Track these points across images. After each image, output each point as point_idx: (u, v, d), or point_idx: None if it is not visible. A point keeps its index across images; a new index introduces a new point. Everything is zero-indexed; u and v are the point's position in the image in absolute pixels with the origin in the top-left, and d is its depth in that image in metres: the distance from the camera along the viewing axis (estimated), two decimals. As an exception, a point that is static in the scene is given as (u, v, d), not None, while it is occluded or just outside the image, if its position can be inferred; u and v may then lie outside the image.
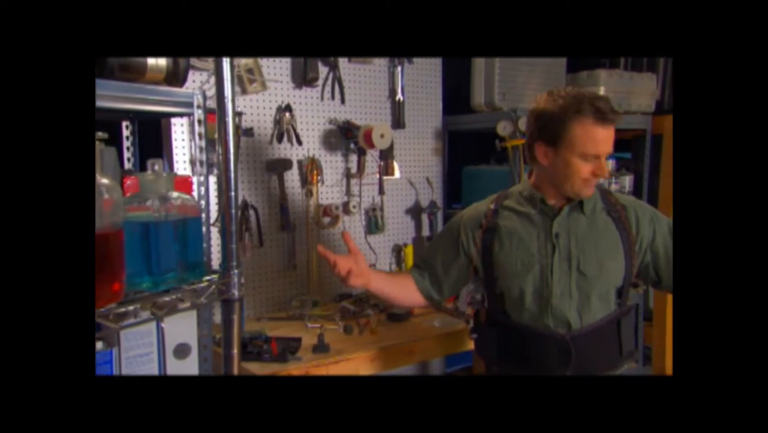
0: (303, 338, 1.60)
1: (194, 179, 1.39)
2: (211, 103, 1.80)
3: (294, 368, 1.44)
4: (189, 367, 1.41)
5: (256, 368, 1.42)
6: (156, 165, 0.92)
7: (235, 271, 0.90)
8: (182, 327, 1.39)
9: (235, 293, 0.90)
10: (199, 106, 1.37)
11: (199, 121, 1.39)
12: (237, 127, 1.88)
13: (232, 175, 0.90)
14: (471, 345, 1.84)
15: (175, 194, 0.91)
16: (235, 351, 0.88)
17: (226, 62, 0.92)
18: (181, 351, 1.40)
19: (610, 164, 2.51)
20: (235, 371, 0.89)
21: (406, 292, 1.45)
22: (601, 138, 1.23)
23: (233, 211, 0.92)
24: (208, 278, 0.92)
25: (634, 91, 2.37)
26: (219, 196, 1.88)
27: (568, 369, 1.28)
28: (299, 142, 2.00)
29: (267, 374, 1.40)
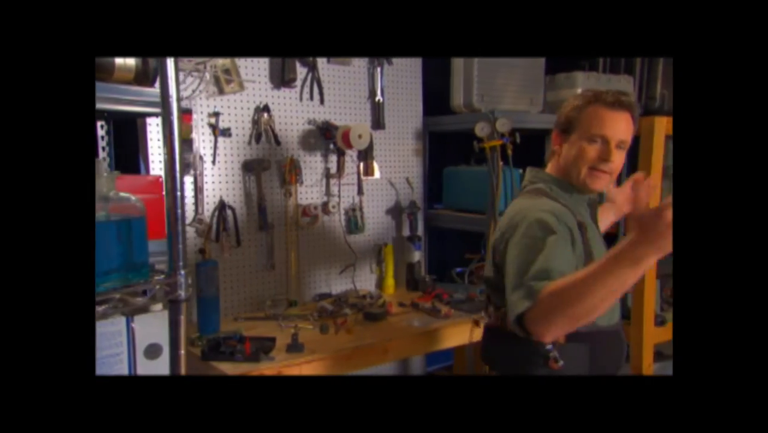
0: (278, 338, 1.58)
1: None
2: (187, 104, 1.78)
3: (266, 368, 1.42)
4: (160, 367, 1.38)
5: (228, 368, 1.40)
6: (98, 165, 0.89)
7: (182, 272, 0.87)
8: (153, 327, 1.36)
9: (182, 293, 0.87)
10: (169, 106, 1.34)
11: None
12: (214, 127, 1.85)
13: (178, 175, 0.87)
14: (446, 343, 1.84)
15: (119, 194, 0.88)
16: (182, 351, 0.86)
17: (170, 62, 0.89)
18: (152, 351, 1.37)
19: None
20: (183, 371, 0.87)
21: None
22: (609, 118, 1.18)
23: (179, 211, 0.89)
24: (158, 278, 0.89)
25: (611, 93, 2.36)
26: (195, 196, 1.88)
27: (622, 364, 1.27)
28: (277, 143, 1.98)
29: (239, 374, 1.37)
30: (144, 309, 1.38)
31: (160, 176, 1.40)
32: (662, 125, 2.37)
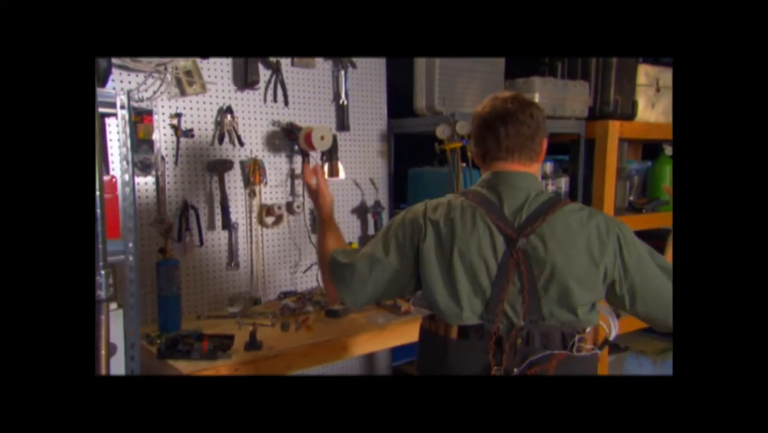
0: (237, 336, 1.56)
1: (119, 179, 1.33)
2: (148, 105, 1.76)
3: (222, 366, 1.41)
4: (116, 365, 1.36)
5: (184, 367, 1.38)
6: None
7: (102, 272, 0.86)
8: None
9: (102, 294, 0.85)
10: (123, 107, 1.32)
11: (123, 122, 1.34)
12: (176, 128, 1.83)
13: (97, 175, 0.85)
14: (405, 339, 1.84)
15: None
16: (103, 352, 0.85)
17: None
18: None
19: (549, 166, 2.55)
20: (102, 372, 0.86)
21: None
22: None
23: (99, 211, 0.86)
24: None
25: (568, 97, 2.40)
26: (157, 196, 1.84)
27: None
28: (241, 144, 1.96)
29: (193, 373, 1.36)
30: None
31: (114, 176, 1.38)
32: (616, 129, 2.42)
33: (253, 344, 1.51)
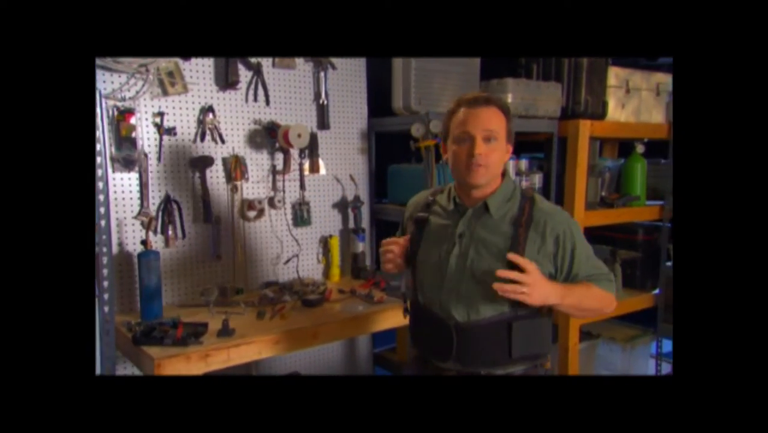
0: (211, 324, 1.57)
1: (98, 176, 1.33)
2: (131, 104, 1.76)
3: (193, 352, 1.41)
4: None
5: (157, 352, 1.39)
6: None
7: None
8: (83, 314, 1.35)
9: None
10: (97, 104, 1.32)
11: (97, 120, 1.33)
12: (159, 126, 1.83)
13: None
14: (376, 327, 1.85)
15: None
16: None
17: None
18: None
19: (524, 163, 2.54)
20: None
21: None
22: (471, 116, 1.19)
23: None
24: None
25: (541, 98, 2.38)
26: (141, 191, 1.85)
27: (450, 356, 1.23)
28: (222, 141, 1.96)
29: (166, 357, 1.36)
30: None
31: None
32: (586, 128, 2.40)
33: (225, 331, 1.52)
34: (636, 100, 2.58)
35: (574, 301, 1.20)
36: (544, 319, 1.26)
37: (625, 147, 3.13)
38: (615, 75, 2.49)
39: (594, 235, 2.75)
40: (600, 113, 2.48)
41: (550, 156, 2.55)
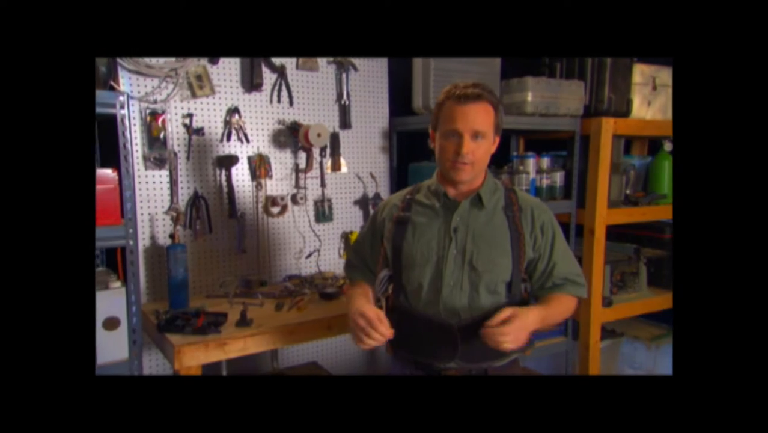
0: (231, 314, 1.61)
1: (123, 173, 1.39)
2: (163, 107, 1.81)
3: (212, 340, 1.45)
4: (119, 337, 1.43)
5: (177, 340, 1.43)
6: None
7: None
8: (111, 301, 1.41)
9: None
10: (122, 107, 1.37)
11: (122, 121, 1.38)
12: (188, 126, 1.88)
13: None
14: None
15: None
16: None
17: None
18: (110, 323, 1.42)
19: (546, 161, 2.46)
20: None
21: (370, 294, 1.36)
22: (459, 113, 1.15)
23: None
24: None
25: (562, 96, 2.30)
26: (171, 188, 1.91)
27: (454, 357, 1.21)
28: (247, 140, 2.00)
29: (186, 344, 1.40)
30: (104, 286, 1.42)
31: (114, 169, 1.44)
32: (609, 125, 2.30)
33: (243, 321, 1.55)
34: (663, 97, 2.45)
35: (551, 322, 1.25)
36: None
37: (654, 145, 2.99)
38: (641, 72, 2.38)
39: (615, 232, 2.64)
40: (624, 111, 2.37)
41: (573, 154, 2.47)
